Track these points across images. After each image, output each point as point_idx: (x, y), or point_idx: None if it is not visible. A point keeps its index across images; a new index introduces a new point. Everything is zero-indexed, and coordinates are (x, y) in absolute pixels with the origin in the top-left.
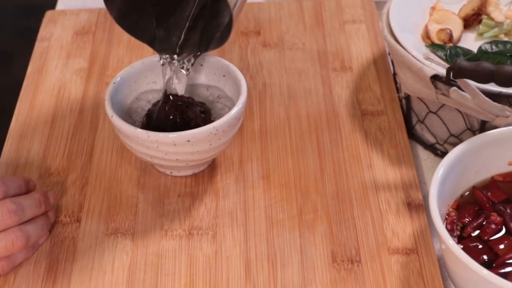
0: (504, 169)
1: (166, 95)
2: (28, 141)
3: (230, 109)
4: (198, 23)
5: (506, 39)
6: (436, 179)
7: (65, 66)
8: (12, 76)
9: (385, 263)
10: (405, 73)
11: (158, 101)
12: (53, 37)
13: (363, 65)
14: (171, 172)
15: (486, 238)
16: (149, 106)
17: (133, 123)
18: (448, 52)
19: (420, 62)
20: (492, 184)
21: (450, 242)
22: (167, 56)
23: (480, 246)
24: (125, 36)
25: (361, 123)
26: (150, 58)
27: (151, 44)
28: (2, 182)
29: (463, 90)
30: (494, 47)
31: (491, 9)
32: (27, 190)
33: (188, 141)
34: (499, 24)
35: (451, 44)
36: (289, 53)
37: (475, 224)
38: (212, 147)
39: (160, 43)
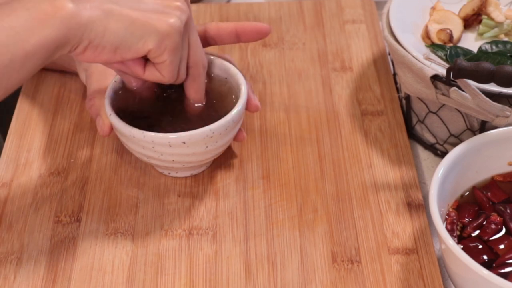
0: (504, 169)
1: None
2: (28, 141)
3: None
4: None
5: (506, 39)
6: (436, 179)
7: None
8: None
9: (385, 263)
10: (405, 73)
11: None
12: None
13: (363, 65)
14: (169, 173)
15: (486, 238)
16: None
17: (134, 122)
18: (448, 52)
19: (420, 62)
20: (492, 184)
21: (450, 242)
22: None
23: (480, 246)
24: None
25: (361, 123)
26: None
27: None
28: None
29: (463, 90)
30: (494, 47)
31: (491, 9)
32: None
33: (184, 142)
34: (499, 24)
35: (451, 44)
36: (289, 53)
37: (475, 224)
38: (209, 149)
39: None
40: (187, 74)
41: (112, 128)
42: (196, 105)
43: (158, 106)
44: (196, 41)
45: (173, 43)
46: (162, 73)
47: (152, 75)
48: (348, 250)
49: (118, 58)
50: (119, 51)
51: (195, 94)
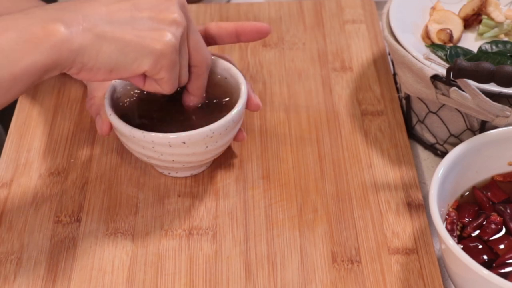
0: (504, 169)
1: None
2: (28, 141)
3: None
4: None
5: (506, 39)
6: (436, 179)
7: None
8: None
9: (385, 263)
10: (405, 73)
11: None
12: None
13: (363, 65)
14: (169, 173)
15: (486, 238)
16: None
17: (134, 122)
18: (448, 52)
19: (420, 62)
20: (492, 184)
21: (450, 242)
22: None
23: (480, 246)
24: None
25: (361, 123)
26: None
27: None
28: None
29: (463, 90)
30: (494, 47)
31: (491, 9)
32: None
33: (184, 142)
34: (499, 24)
35: (451, 44)
36: (289, 53)
37: (475, 224)
38: (209, 149)
39: None
40: (190, 73)
41: (111, 128)
42: (192, 102)
43: (159, 105)
44: (197, 42)
45: (169, 61)
46: (161, 87)
47: (152, 87)
48: (348, 250)
49: (115, 78)
50: (114, 72)
51: (196, 90)
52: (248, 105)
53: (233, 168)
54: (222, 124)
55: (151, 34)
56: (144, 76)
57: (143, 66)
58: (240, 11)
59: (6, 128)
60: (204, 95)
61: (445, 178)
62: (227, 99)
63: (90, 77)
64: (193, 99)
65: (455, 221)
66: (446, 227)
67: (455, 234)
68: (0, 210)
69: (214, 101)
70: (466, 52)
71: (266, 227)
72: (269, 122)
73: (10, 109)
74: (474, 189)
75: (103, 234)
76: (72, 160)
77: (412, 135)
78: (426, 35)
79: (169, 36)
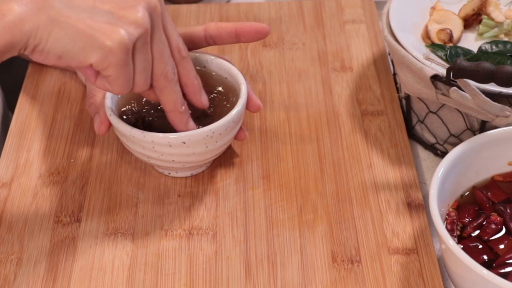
0: (504, 169)
1: None
2: (28, 141)
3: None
4: None
5: (506, 39)
6: (436, 179)
7: None
8: (12, 76)
9: (385, 263)
10: (405, 73)
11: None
12: None
13: (363, 65)
14: (169, 173)
15: (486, 238)
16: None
17: (133, 122)
18: (448, 52)
19: (420, 62)
20: (492, 184)
21: (450, 242)
22: None
23: (480, 246)
24: None
25: (361, 123)
26: None
27: None
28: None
29: (463, 90)
30: (494, 47)
31: (491, 9)
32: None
33: (184, 142)
34: (499, 24)
35: (451, 44)
36: (289, 53)
37: (475, 224)
38: (209, 149)
39: None
40: (152, 85)
41: (109, 127)
42: (169, 118)
43: (159, 105)
44: (160, 54)
45: (117, 59)
46: (110, 85)
47: (102, 85)
48: (348, 250)
49: (64, 64)
50: (63, 59)
51: (165, 105)
52: (248, 105)
53: (233, 168)
54: (222, 124)
55: (105, 28)
56: (97, 71)
57: (89, 58)
58: (240, 11)
59: (6, 128)
60: (183, 109)
61: (445, 178)
62: (227, 99)
63: (42, 59)
64: (168, 114)
65: (455, 221)
66: (446, 227)
67: (455, 234)
68: (0, 210)
69: (214, 101)
70: (466, 52)
71: (266, 227)
72: (269, 122)
73: (9, 109)
74: (474, 189)
75: (103, 234)
76: (72, 160)
77: (412, 135)
78: (426, 35)
79: (123, 33)
